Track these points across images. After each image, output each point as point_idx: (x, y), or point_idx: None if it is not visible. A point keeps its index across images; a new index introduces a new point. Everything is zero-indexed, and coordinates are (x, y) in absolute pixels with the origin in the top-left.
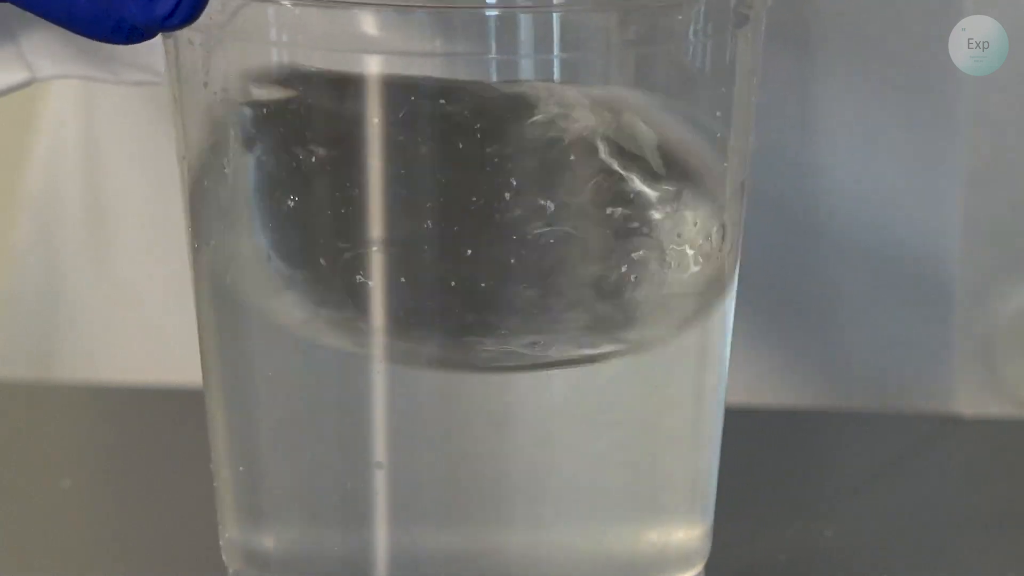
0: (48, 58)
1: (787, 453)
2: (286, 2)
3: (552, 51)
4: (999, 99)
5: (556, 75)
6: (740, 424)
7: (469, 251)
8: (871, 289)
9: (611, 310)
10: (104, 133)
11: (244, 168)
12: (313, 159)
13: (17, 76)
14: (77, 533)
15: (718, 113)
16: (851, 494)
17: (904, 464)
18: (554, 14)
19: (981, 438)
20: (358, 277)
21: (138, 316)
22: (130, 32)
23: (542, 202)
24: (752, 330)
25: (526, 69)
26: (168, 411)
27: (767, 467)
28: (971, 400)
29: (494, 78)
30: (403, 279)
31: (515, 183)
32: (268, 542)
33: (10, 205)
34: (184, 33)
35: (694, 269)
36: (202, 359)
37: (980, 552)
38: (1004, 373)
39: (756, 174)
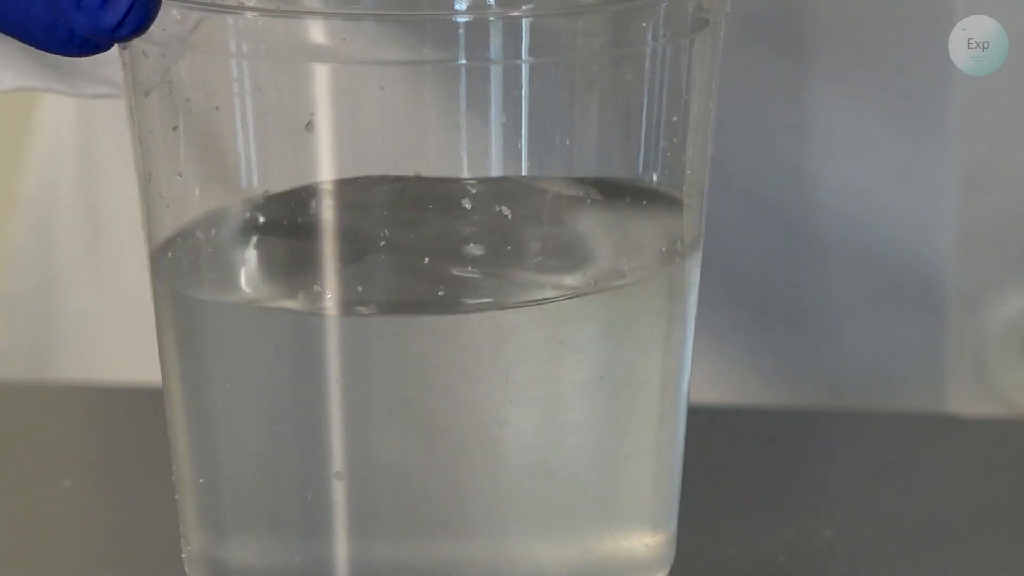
0: (9, 70)
1: (784, 454)
2: (248, 13)
3: (515, 57)
4: (993, 102)
5: (524, 83)
6: (736, 425)
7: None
8: (864, 292)
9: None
10: (100, 136)
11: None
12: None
13: None
14: (75, 534)
15: (674, 118)
16: (849, 494)
17: (902, 464)
18: (523, 19)
19: (979, 438)
20: (315, 287)
21: (134, 318)
22: (82, 44)
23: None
24: (746, 332)
25: (495, 78)
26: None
27: (764, 468)
28: (963, 404)
29: (463, 83)
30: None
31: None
32: (230, 554)
33: (7, 208)
34: (138, 44)
35: (651, 277)
36: (162, 369)
37: (977, 552)
38: (996, 377)
39: (750, 177)
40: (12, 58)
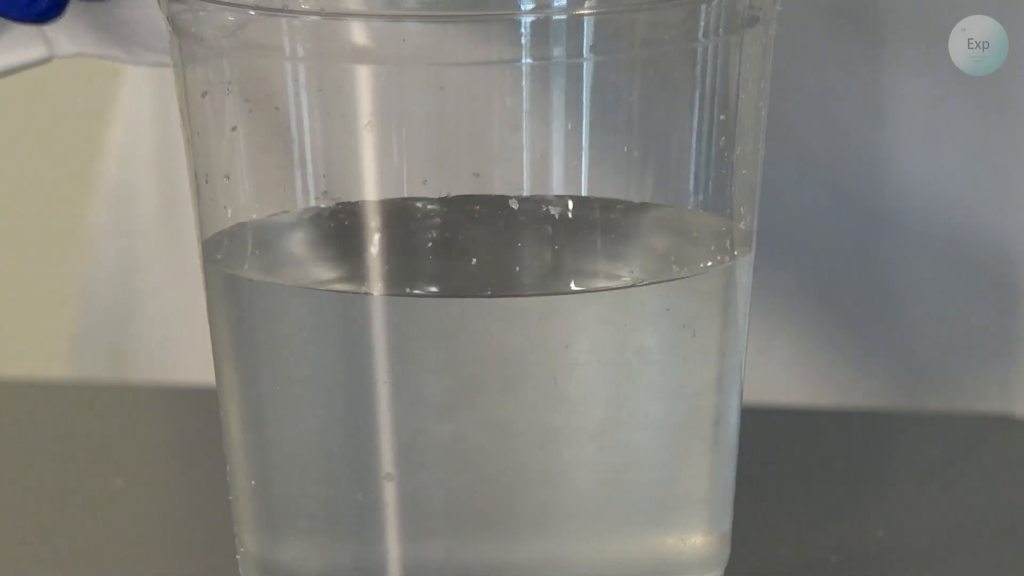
0: (67, 35)
1: (838, 454)
2: (313, 16)
3: (576, 55)
4: None
5: (586, 80)
6: (796, 424)
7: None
8: (940, 279)
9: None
10: (178, 124)
11: None
12: None
13: (36, 52)
14: (129, 534)
15: (722, 117)
16: (903, 495)
17: (957, 465)
18: (584, 18)
19: None
20: (371, 269)
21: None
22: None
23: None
24: (815, 325)
25: (556, 77)
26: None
27: (821, 467)
28: None
29: (525, 82)
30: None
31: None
32: (283, 555)
33: (86, 195)
34: (190, 46)
35: (702, 273)
36: (216, 370)
37: None
38: None
39: (825, 163)
40: (69, 24)
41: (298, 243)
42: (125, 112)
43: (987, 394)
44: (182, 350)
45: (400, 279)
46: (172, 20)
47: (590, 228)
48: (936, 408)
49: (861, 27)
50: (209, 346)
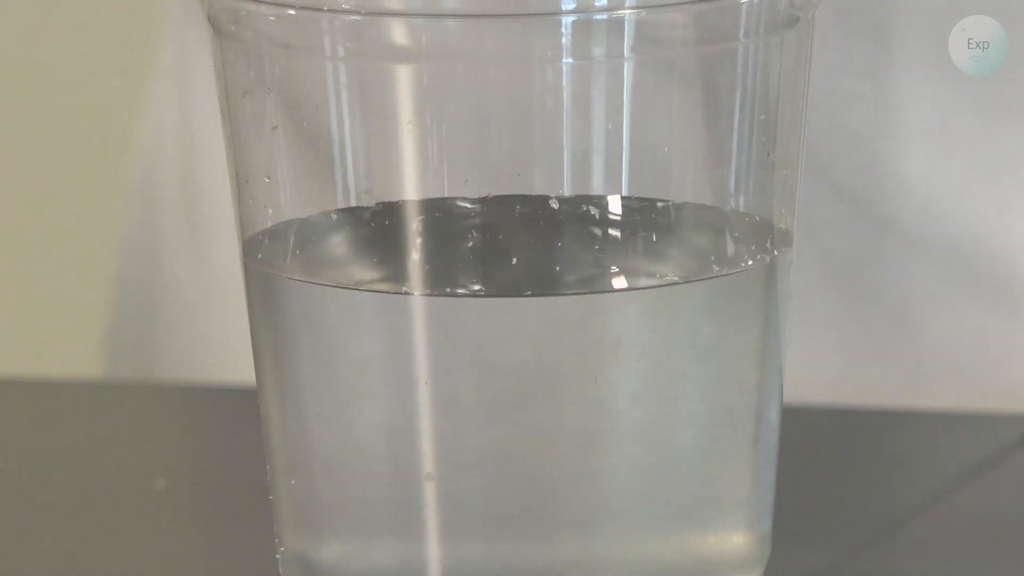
0: None
1: (876, 453)
2: (355, 15)
3: (617, 55)
4: None
5: (626, 80)
6: (822, 424)
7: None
8: (947, 282)
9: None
10: (205, 122)
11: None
12: None
13: None
14: (169, 534)
15: (762, 116)
16: (941, 496)
17: (995, 466)
18: (625, 17)
19: None
20: (411, 269)
21: (239, 310)
22: None
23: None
24: (828, 326)
25: (597, 76)
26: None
27: (857, 467)
28: None
29: (566, 81)
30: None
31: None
32: (323, 555)
33: (114, 196)
34: (231, 45)
35: (742, 272)
36: (256, 370)
37: None
38: None
39: (835, 165)
40: None
41: (339, 243)
42: (153, 110)
43: (1003, 397)
44: (213, 348)
45: (441, 279)
46: (213, 19)
47: (631, 227)
48: (954, 408)
49: (870, 28)
50: (241, 344)
